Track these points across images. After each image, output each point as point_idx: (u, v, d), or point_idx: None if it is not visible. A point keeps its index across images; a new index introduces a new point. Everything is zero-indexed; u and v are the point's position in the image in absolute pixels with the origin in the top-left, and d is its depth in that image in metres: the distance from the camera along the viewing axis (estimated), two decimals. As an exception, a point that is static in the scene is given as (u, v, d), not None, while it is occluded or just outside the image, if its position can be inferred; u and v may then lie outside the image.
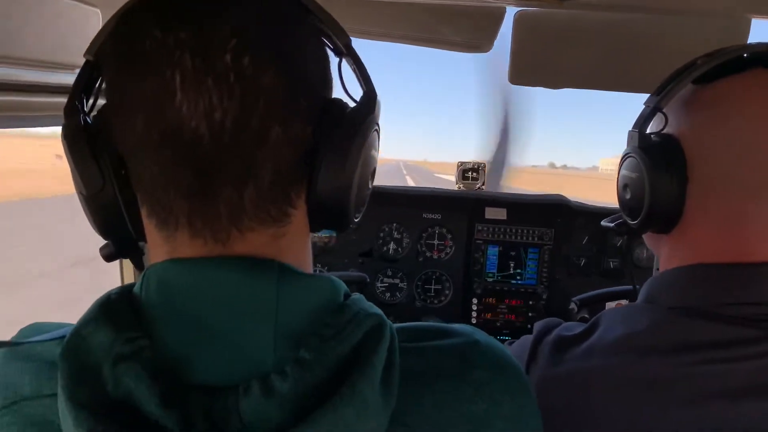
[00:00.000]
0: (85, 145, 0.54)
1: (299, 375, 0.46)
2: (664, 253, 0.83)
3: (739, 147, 0.70)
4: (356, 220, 0.60)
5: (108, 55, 0.52)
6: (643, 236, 0.87)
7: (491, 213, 2.06)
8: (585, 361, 0.74)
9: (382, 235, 2.10)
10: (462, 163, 2.15)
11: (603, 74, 1.36)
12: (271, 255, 0.52)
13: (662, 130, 0.78)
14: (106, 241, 0.60)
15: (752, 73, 0.73)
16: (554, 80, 1.36)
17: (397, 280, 2.10)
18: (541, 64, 1.33)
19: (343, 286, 0.55)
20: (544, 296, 2.04)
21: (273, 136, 0.49)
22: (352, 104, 0.58)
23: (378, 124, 0.58)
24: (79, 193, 0.57)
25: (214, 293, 0.49)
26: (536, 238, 2.05)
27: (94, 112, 0.57)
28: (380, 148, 0.61)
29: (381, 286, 2.10)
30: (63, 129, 0.55)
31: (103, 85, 0.54)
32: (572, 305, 1.69)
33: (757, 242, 0.71)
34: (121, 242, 0.59)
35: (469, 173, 2.14)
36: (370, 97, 0.58)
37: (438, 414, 0.52)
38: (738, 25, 1.20)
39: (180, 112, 0.46)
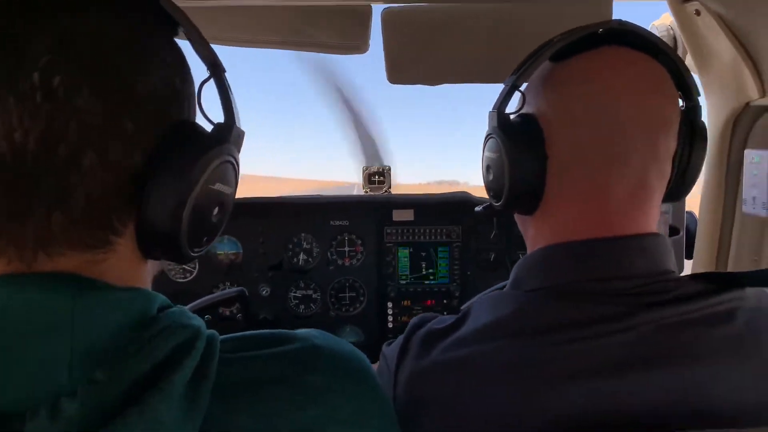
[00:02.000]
0: None
1: (89, 396, 0.43)
2: (530, 236, 0.83)
3: (592, 121, 0.71)
4: (196, 253, 0.56)
5: None
6: (516, 220, 0.87)
7: (399, 215, 2.06)
8: (454, 352, 0.72)
9: (291, 246, 2.06)
10: (367, 168, 2.15)
11: (479, 67, 1.37)
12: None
13: (521, 109, 0.78)
14: None
15: (603, 49, 0.74)
16: (432, 77, 1.37)
17: (310, 291, 2.06)
18: (415, 61, 1.33)
19: (160, 300, 0.52)
20: (458, 293, 2.05)
21: (86, 162, 0.46)
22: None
23: (232, 156, 0.55)
24: None
25: (4, 312, 0.45)
26: (445, 237, 2.06)
27: None
28: (235, 181, 0.58)
29: (294, 299, 2.06)
30: None
31: None
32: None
33: (617, 215, 0.72)
34: None
35: (375, 177, 2.14)
36: (225, 126, 0.55)
37: (259, 424, 0.50)
38: (600, 7, 1.23)
39: None
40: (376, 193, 2.12)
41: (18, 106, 0.43)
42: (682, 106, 0.78)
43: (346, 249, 2.08)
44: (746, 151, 1.16)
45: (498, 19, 1.26)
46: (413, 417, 0.72)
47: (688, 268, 1.50)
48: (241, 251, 2.03)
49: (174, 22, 0.54)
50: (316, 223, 2.06)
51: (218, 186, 0.54)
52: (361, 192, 2.20)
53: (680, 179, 0.77)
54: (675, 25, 1.31)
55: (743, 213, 1.20)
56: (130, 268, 0.54)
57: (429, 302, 2.07)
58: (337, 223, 2.07)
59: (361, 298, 2.07)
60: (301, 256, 2.06)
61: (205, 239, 0.56)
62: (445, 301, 2.06)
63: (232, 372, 0.52)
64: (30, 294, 0.46)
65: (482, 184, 0.86)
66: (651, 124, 0.71)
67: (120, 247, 0.51)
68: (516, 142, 0.75)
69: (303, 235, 2.06)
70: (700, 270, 1.42)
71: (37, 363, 0.45)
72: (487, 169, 0.82)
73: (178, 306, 0.54)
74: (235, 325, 2.00)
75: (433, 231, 2.06)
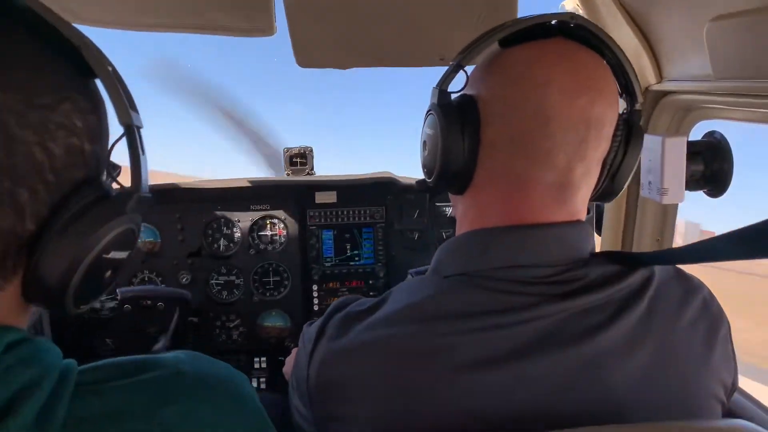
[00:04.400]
0: None
1: None
2: (458, 215, 0.83)
3: (529, 112, 0.70)
4: (82, 309, 0.55)
5: None
6: (450, 198, 0.87)
7: (321, 197, 2.03)
8: (367, 334, 0.72)
9: (210, 232, 2.00)
10: (288, 149, 2.10)
11: (389, 51, 1.35)
12: None
13: (462, 89, 0.77)
14: None
15: (553, 41, 0.73)
16: (339, 60, 1.34)
17: (232, 277, 2.02)
18: (323, 44, 1.29)
19: (10, 336, 0.49)
20: (382, 274, 2.05)
21: None
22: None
23: (133, 223, 0.55)
24: None
25: None
26: (368, 218, 2.05)
27: None
28: (134, 242, 0.57)
29: (216, 285, 2.01)
30: None
31: None
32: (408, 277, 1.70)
33: (540, 207, 0.72)
34: None
35: (297, 159, 2.09)
36: (129, 193, 0.54)
37: None
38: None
39: None
40: (298, 176, 2.08)
41: None
42: (624, 108, 0.78)
43: (269, 233, 2.04)
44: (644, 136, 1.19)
45: (405, 1, 1.23)
46: (324, 398, 0.72)
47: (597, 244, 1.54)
48: (159, 240, 1.96)
49: (92, 73, 0.52)
50: (236, 208, 2.01)
51: (113, 254, 0.53)
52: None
53: (609, 182, 0.78)
54: (580, 8, 1.32)
55: (641, 196, 1.24)
56: (10, 310, 0.52)
57: (355, 283, 2.07)
58: (258, 207, 2.02)
59: (286, 282, 2.05)
60: (222, 242, 2.01)
61: (92, 298, 0.56)
62: (371, 282, 2.06)
63: (89, 405, 0.50)
64: None
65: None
66: (580, 123, 0.70)
67: (4, 294, 0.50)
68: (452, 122, 0.74)
69: (222, 220, 2.01)
70: (607, 248, 1.47)
71: None
72: (423, 144, 0.82)
73: (35, 339, 0.51)
74: (153, 314, 1.94)
75: (356, 212, 2.05)
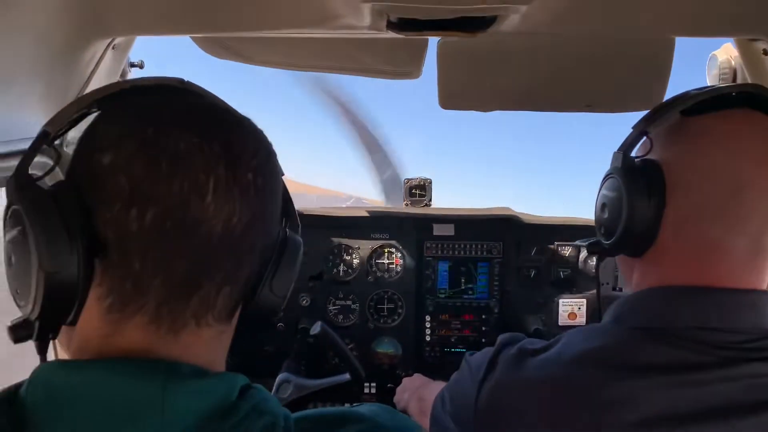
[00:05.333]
0: (57, 216, 0.49)
1: None
2: (635, 278, 0.84)
3: (720, 180, 0.72)
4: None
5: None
6: (616, 259, 0.88)
7: (439, 229, 2.05)
8: (546, 370, 0.75)
9: (331, 257, 2.07)
10: (408, 180, 2.14)
11: (531, 96, 1.36)
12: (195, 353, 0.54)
13: (646, 155, 0.79)
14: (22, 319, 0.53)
15: (739, 111, 0.74)
16: (483, 104, 1.36)
17: (349, 302, 2.08)
18: (468, 88, 1.32)
19: (240, 382, 0.54)
20: (497, 309, 2.04)
21: (258, 245, 0.56)
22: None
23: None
24: (28, 265, 0.50)
25: (96, 396, 0.48)
26: (485, 252, 2.05)
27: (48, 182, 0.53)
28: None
29: (333, 309, 2.07)
30: (22, 193, 0.50)
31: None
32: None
33: (729, 271, 0.73)
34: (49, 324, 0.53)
35: (416, 190, 2.13)
36: (299, 241, 0.65)
37: None
38: (662, 44, 1.21)
39: (208, 211, 0.51)
40: (417, 207, 2.11)
41: (241, 197, 0.52)
42: None
43: (386, 262, 2.09)
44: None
45: (558, 50, 1.24)
46: (495, 423, 0.76)
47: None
48: None
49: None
50: (357, 235, 2.07)
51: (279, 325, 0.67)
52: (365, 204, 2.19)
53: None
54: (737, 58, 1.27)
55: None
56: (228, 340, 0.60)
57: (467, 317, 2.07)
58: (378, 235, 2.07)
59: (400, 311, 2.08)
60: (341, 267, 2.08)
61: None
62: (483, 317, 2.06)
63: None
64: (119, 379, 0.49)
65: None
66: None
67: (232, 324, 0.59)
68: (637, 185, 0.76)
69: (344, 246, 2.07)
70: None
71: None
72: (602, 207, 0.84)
73: (258, 387, 0.56)
74: (274, 333, 2.02)
75: (473, 246, 2.05)
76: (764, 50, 1.12)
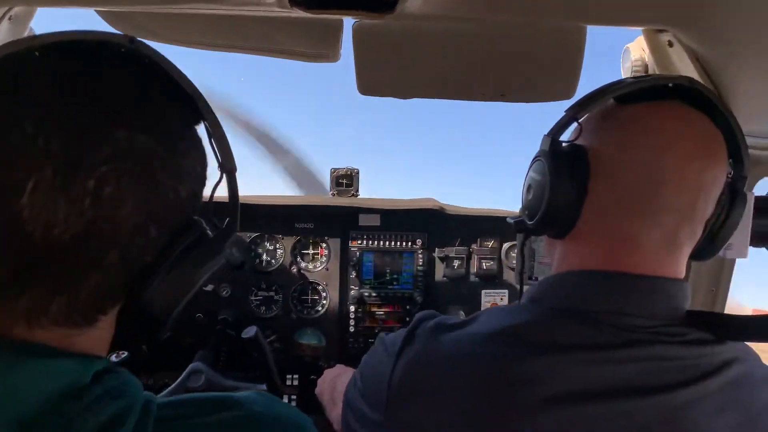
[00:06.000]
0: None
1: None
2: (556, 258, 0.85)
3: (643, 173, 0.72)
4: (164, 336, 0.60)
5: None
6: (544, 240, 0.89)
7: (365, 220, 2.04)
8: (458, 344, 0.75)
9: (254, 247, 2.03)
10: (335, 170, 2.12)
11: (450, 83, 1.36)
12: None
13: (575, 140, 0.80)
14: None
15: (671, 103, 0.75)
16: (400, 90, 1.35)
17: (271, 293, 2.04)
18: (384, 74, 1.31)
19: (97, 365, 0.51)
20: (420, 300, 2.05)
21: (108, 260, 0.49)
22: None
23: (225, 259, 0.62)
24: None
25: None
26: (410, 243, 2.05)
27: None
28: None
29: (255, 300, 2.03)
30: None
31: None
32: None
33: (646, 261, 0.74)
34: None
35: (343, 180, 2.11)
36: (228, 233, 0.59)
37: None
38: (573, 34, 1.23)
39: (23, 213, 0.45)
40: (343, 197, 2.10)
41: (67, 206, 0.45)
42: (730, 172, 0.79)
43: (310, 252, 2.06)
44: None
45: (469, 38, 1.24)
46: (407, 399, 0.74)
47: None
48: None
49: (199, 120, 0.58)
50: (281, 226, 2.03)
51: (208, 287, 0.59)
52: None
53: (709, 242, 0.79)
54: (646, 54, 1.31)
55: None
56: (99, 338, 0.55)
57: (392, 308, 2.06)
58: (302, 225, 2.04)
59: (324, 302, 2.06)
60: (264, 258, 2.03)
61: (172, 326, 0.60)
62: (407, 307, 2.06)
63: None
64: None
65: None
66: (692, 186, 0.72)
67: (100, 324, 0.53)
68: (562, 170, 0.77)
69: (266, 236, 2.03)
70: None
71: None
72: (528, 188, 0.84)
73: (119, 370, 0.53)
74: (191, 325, 1.96)
75: (398, 237, 2.05)
76: (669, 42, 1.15)
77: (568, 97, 1.29)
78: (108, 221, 0.47)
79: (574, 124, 0.81)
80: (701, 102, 0.76)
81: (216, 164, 0.61)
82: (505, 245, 2.11)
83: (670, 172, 0.71)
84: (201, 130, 0.59)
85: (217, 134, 0.59)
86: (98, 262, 0.48)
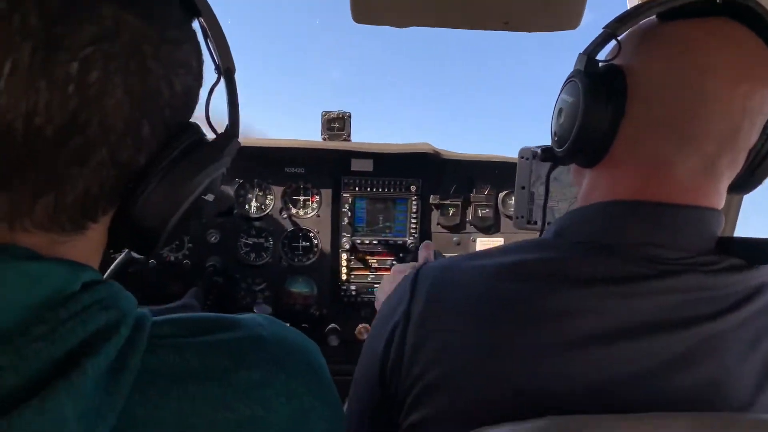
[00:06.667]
0: None
1: None
2: (585, 188, 0.80)
3: (685, 95, 0.66)
4: (162, 249, 0.56)
5: None
6: (571, 170, 0.85)
7: (357, 165, 1.98)
8: (478, 276, 0.71)
9: (242, 192, 1.96)
10: (326, 113, 2.03)
11: (446, 10, 1.28)
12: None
13: (613, 59, 0.73)
14: None
15: (713, 20, 0.68)
16: (397, 18, 1.27)
17: (261, 240, 1.98)
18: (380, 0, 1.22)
19: (87, 274, 0.46)
20: (413, 248, 2.00)
21: (96, 158, 0.44)
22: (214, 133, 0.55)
23: (226, 168, 0.56)
24: None
25: None
26: (404, 189, 2.00)
27: None
28: (218, 188, 0.58)
29: (245, 247, 1.97)
30: None
31: None
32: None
33: (682, 189, 0.69)
34: None
35: (334, 123, 2.03)
36: (229, 138, 0.55)
37: (180, 421, 0.45)
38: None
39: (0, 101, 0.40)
40: (335, 141, 2.02)
41: (49, 92, 0.40)
42: None
43: (301, 198, 2.00)
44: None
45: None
46: (430, 317, 0.71)
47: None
48: None
49: (198, 12, 0.53)
50: (271, 170, 1.96)
51: (208, 196, 0.55)
52: None
53: (749, 174, 0.74)
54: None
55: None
56: (89, 249, 0.50)
57: (385, 255, 2.02)
58: (293, 170, 1.97)
59: (315, 249, 2.01)
60: (253, 203, 1.97)
61: (177, 239, 0.54)
62: (401, 255, 2.02)
63: (164, 359, 0.47)
64: None
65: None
66: (737, 111, 0.66)
67: (90, 233, 0.48)
68: (598, 92, 0.71)
69: (256, 181, 1.96)
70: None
71: None
72: (559, 112, 0.79)
73: (110, 282, 0.48)
74: (177, 271, 1.91)
75: (392, 183, 1.99)
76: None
77: (573, 26, 1.22)
78: (95, 113, 0.42)
79: (612, 42, 0.74)
80: (753, 20, 0.69)
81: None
82: (502, 193, 2.06)
83: (713, 94, 0.65)
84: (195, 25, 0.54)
85: (214, 31, 0.54)
86: (85, 160, 0.43)
